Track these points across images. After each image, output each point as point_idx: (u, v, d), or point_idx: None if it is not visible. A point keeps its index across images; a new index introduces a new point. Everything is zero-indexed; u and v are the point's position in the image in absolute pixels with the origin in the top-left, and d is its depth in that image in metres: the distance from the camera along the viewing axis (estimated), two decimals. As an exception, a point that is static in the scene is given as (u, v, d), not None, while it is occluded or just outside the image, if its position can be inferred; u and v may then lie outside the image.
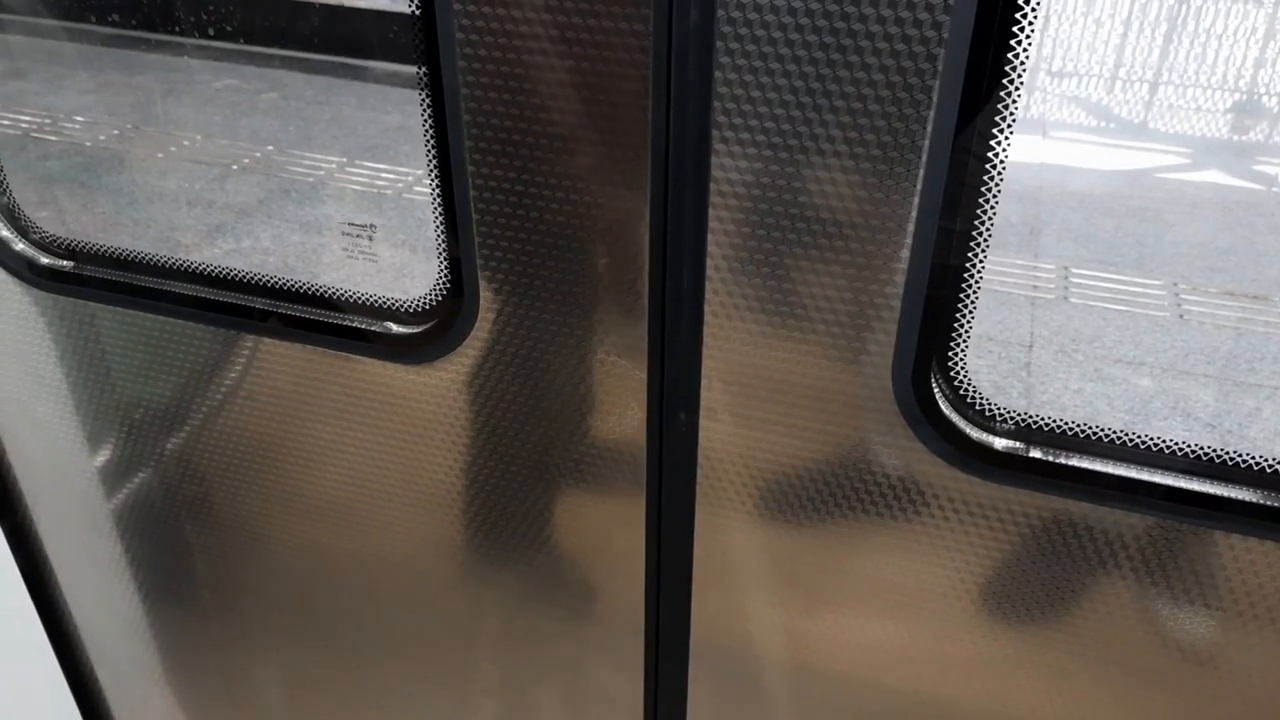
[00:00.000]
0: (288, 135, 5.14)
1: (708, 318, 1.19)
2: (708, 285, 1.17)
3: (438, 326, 1.34)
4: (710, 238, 1.14)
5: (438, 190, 1.22)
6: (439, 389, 1.38)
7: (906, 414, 1.17)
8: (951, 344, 1.15)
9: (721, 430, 1.27)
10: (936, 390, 1.16)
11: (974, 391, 1.17)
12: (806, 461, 1.25)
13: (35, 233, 1.46)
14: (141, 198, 4.71)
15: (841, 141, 1.03)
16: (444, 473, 1.47)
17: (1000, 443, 1.18)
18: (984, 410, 1.18)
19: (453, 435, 1.43)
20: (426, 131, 1.18)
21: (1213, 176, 5.26)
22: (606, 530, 1.43)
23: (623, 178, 1.13)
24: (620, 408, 1.31)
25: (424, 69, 1.13)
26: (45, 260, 1.46)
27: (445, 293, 1.31)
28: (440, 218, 1.24)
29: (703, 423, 1.27)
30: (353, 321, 1.39)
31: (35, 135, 5.08)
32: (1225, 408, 3.40)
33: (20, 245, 1.45)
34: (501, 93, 1.11)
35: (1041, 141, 5.31)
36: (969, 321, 1.14)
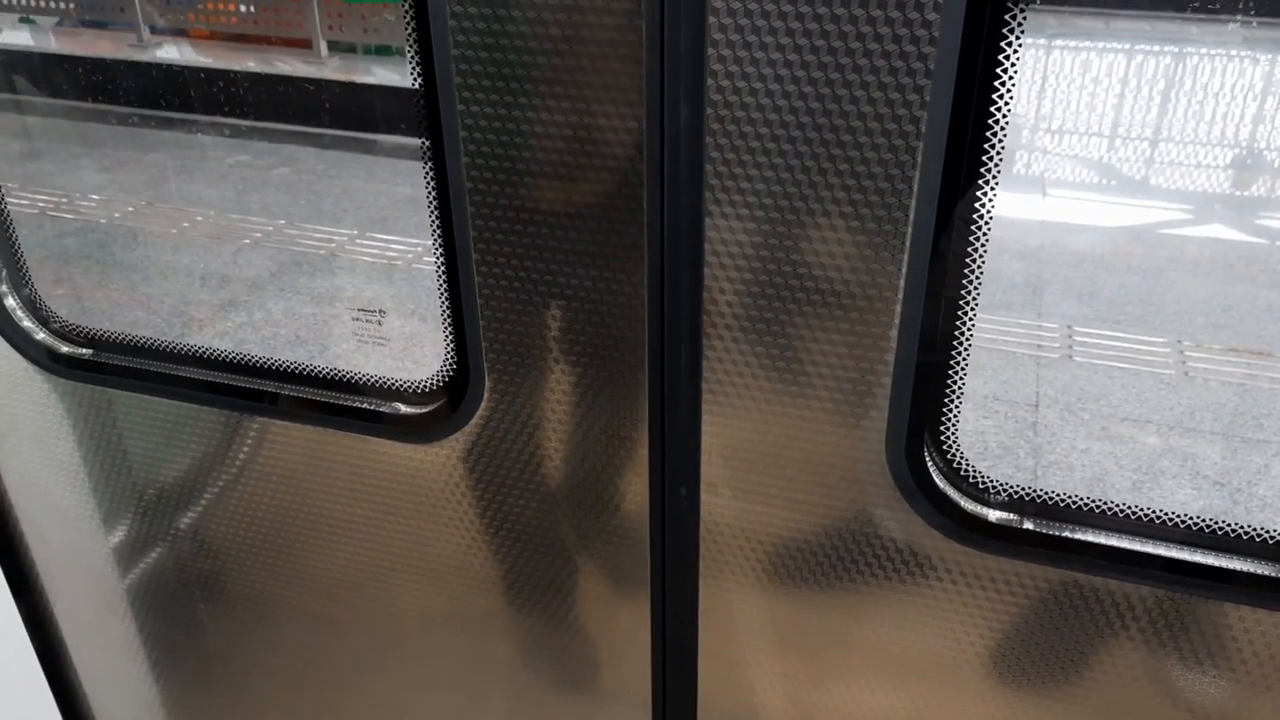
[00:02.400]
0: (299, 209, 5.24)
1: (705, 395, 1.23)
2: (705, 363, 1.21)
3: (445, 407, 1.38)
4: (706, 318, 1.17)
5: (444, 278, 1.26)
6: (446, 467, 1.42)
7: (901, 487, 1.19)
8: (943, 417, 1.18)
9: (722, 504, 1.29)
10: (930, 463, 1.19)
11: (967, 463, 1.20)
12: (807, 534, 1.28)
13: (56, 322, 1.51)
14: (155, 273, 4.80)
15: (829, 226, 1.07)
16: (451, 548, 1.49)
17: (994, 514, 1.20)
18: (977, 482, 1.20)
19: (459, 512, 1.46)
20: (433, 223, 1.23)
21: (1214, 232, 5.30)
22: (611, 604, 1.45)
23: (621, 262, 1.18)
24: (623, 483, 1.34)
25: (429, 165, 1.19)
26: (65, 349, 1.51)
27: (452, 374, 1.35)
28: (446, 303, 1.28)
29: (703, 497, 1.30)
30: (362, 403, 1.43)
31: (51, 214, 5.19)
32: (1233, 465, 3.40)
33: (41, 335, 1.50)
34: (504, 185, 1.16)
35: (1041, 200, 5.37)
36: (960, 394, 1.17)
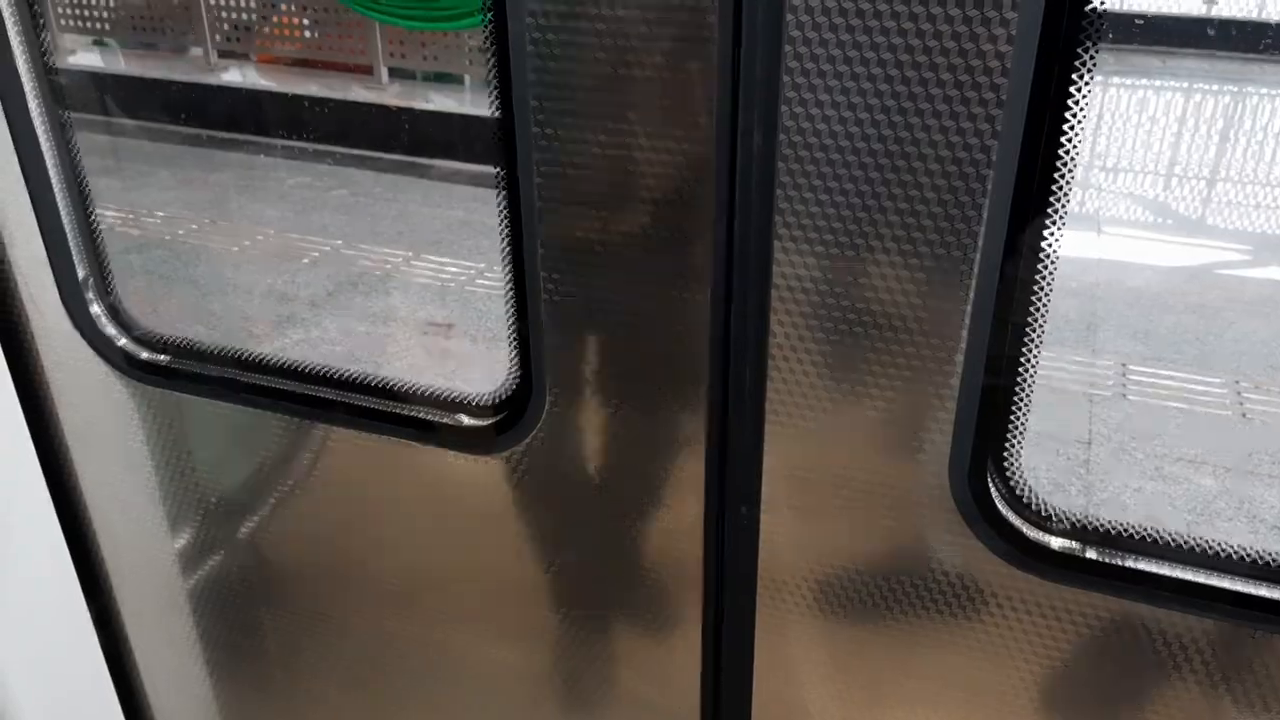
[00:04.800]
0: (356, 230, 5.34)
1: (768, 415, 1.24)
2: (769, 384, 1.22)
3: (506, 419, 1.40)
4: (772, 339, 1.19)
5: (512, 294, 1.29)
6: (505, 479, 1.44)
7: (964, 512, 1.20)
8: (1007, 443, 1.18)
9: (782, 524, 1.30)
10: (993, 489, 1.19)
11: (1030, 490, 1.20)
12: (866, 557, 1.28)
13: (137, 329, 1.56)
14: (216, 289, 4.90)
15: (897, 253, 1.09)
16: (505, 561, 1.51)
17: (1057, 542, 1.20)
18: (1040, 509, 1.20)
19: (516, 524, 1.48)
20: (504, 241, 1.26)
21: (1273, 274, 5.22)
22: (665, 621, 1.46)
23: (688, 283, 1.20)
24: (680, 501, 1.35)
25: (503, 187, 1.22)
26: (145, 355, 1.56)
27: (515, 388, 1.38)
28: (513, 319, 1.31)
29: (764, 517, 1.31)
30: (426, 413, 1.46)
31: (119, 229, 5.33)
32: (1294, 509, 3.33)
33: (123, 341, 1.56)
34: (575, 205, 1.19)
35: (1096, 238, 5.33)
36: (1024, 421, 1.17)
